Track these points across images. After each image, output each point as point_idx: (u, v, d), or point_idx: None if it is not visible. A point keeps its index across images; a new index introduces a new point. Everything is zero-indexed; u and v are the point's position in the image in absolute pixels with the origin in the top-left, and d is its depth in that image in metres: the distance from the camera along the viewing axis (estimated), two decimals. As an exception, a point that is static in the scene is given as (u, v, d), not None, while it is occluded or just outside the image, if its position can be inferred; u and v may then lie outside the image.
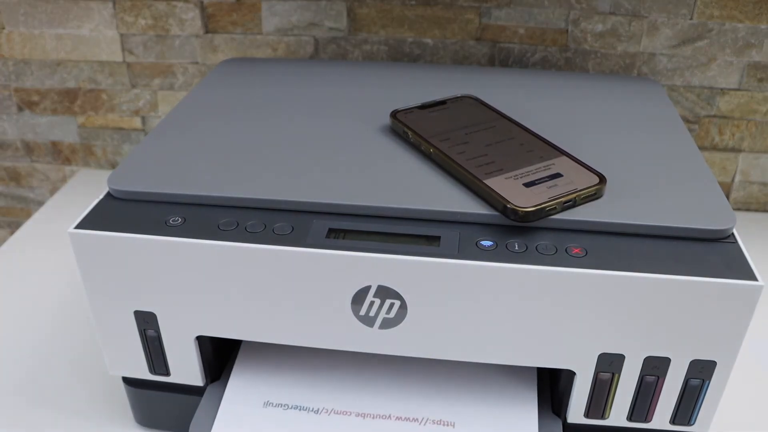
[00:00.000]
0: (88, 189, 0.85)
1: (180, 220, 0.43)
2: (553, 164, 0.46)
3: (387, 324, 0.43)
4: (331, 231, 0.42)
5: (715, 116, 0.76)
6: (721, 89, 0.74)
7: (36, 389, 0.57)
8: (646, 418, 0.45)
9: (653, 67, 0.74)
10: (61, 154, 0.89)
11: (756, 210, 0.82)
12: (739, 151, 0.78)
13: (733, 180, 0.80)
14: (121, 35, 0.79)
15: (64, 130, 0.87)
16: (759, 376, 0.59)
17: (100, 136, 0.87)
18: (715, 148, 0.78)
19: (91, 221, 0.43)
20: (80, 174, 0.88)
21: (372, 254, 0.40)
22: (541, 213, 0.42)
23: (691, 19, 0.71)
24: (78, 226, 0.43)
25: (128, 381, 0.51)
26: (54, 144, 0.88)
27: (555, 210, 0.42)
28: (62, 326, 0.63)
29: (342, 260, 0.41)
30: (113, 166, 0.89)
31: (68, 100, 0.84)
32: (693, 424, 0.45)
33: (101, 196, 0.46)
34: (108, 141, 0.87)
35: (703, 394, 0.44)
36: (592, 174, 0.45)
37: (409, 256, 0.40)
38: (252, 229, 0.42)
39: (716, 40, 0.71)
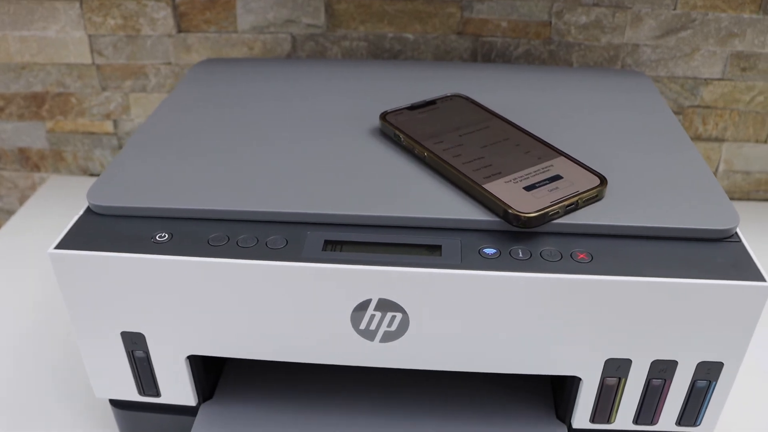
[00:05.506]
0: (59, 196, 0.82)
1: (167, 236, 0.41)
2: (552, 166, 0.45)
3: (388, 337, 0.41)
4: (327, 243, 0.41)
5: (698, 106, 0.76)
6: (705, 79, 0.74)
7: (15, 412, 0.54)
8: (652, 421, 0.45)
9: (637, 59, 0.73)
10: (30, 161, 0.86)
11: (739, 199, 0.82)
12: (723, 140, 0.78)
13: (717, 169, 0.80)
14: (90, 36, 0.76)
15: (32, 135, 0.84)
16: (760, 372, 0.59)
17: (70, 141, 0.84)
18: (699, 138, 0.78)
19: (72, 240, 0.41)
20: (50, 181, 0.85)
21: (372, 267, 0.39)
22: (544, 218, 0.40)
23: (674, 9, 0.70)
24: (59, 246, 0.40)
25: (116, 403, 0.48)
26: (21, 150, 0.85)
27: (558, 214, 0.41)
28: (38, 345, 0.61)
29: (340, 274, 0.39)
30: (84, 171, 0.86)
31: (35, 104, 0.81)
32: (699, 424, 0.45)
33: (81, 212, 0.44)
34: (79, 146, 0.84)
35: (709, 395, 0.43)
36: (592, 175, 0.44)
37: (411, 268, 0.39)
38: (244, 244, 0.40)
39: (699, 30, 0.71)
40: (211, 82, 0.59)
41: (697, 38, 0.71)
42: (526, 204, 0.41)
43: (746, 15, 0.70)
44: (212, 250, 0.40)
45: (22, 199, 0.89)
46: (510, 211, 0.40)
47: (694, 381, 0.42)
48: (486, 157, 0.45)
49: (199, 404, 0.48)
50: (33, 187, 0.88)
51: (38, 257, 0.72)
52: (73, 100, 0.80)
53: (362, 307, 0.40)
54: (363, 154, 0.48)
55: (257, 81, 0.59)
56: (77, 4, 0.74)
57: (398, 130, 0.48)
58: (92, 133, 0.83)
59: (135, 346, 0.44)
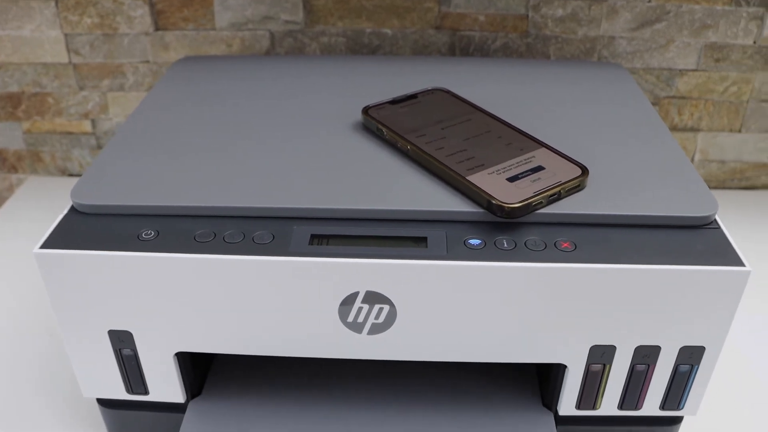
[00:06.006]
0: (38, 197, 0.81)
1: (153, 233, 0.41)
2: (534, 157, 0.45)
3: (376, 329, 0.42)
4: (314, 237, 0.41)
5: (674, 97, 0.77)
6: (680, 70, 0.75)
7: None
8: (637, 406, 0.45)
9: (613, 51, 0.74)
10: (7, 162, 0.85)
11: (715, 187, 0.83)
12: (698, 130, 0.79)
13: (692, 159, 0.81)
14: (66, 35, 0.75)
15: (8, 136, 0.83)
16: (737, 356, 0.60)
17: (47, 141, 0.83)
18: (674, 128, 0.79)
19: (57, 239, 0.41)
20: (28, 182, 0.84)
21: (359, 260, 0.39)
22: (528, 208, 0.41)
23: (649, 1, 0.71)
24: (44, 246, 0.40)
25: (104, 402, 0.48)
26: (-2, 152, 0.84)
27: (541, 204, 0.42)
28: (20, 348, 0.60)
29: (327, 267, 0.39)
30: (63, 172, 0.85)
31: (11, 105, 0.80)
32: (682, 408, 0.45)
33: (65, 212, 0.43)
34: (56, 146, 0.83)
35: (692, 379, 0.44)
36: (573, 165, 0.44)
37: (398, 260, 0.39)
38: (231, 240, 0.41)
39: (674, 22, 0.72)
40: (192, 79, 0.59)
41: (671, 30, 0.73)
42: (510, 195, 0.41)
43: (719, 7, 0.71)
44: (199, 247, 0.40)
45: (0, 201, 0.88)
46: (494, 201, 0.41)
47: (677, 365, 0.43)
48: (468, 150, 0.46)
49: (187, 401, 0.48)
50: (10, 189, 0.87)
51: (18, 259, 0.71)
52: (50, 99, 0.80)
53: (350, 299, 0.40)
54: (346, 148, 0.48)
55: (238, 78, 0.59)
56: (53, 3, 0.73)
57: (381, 124, 0.49)
58: (70, 133, 0.82)
59: (122, 344, 0.43)
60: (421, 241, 0.41)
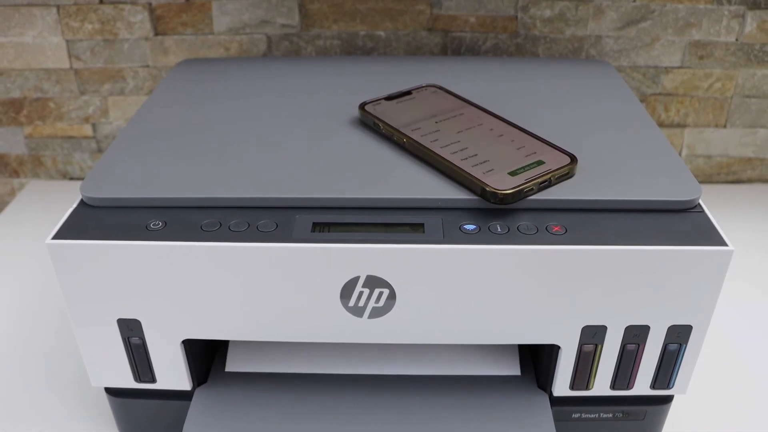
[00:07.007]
0: (39, 201, 0.82)
1: (161, 224, 0.43)
2: (524, 147, 0.47)
3: (376, 313, 0.43)
4: (315, 225, 0.42)
5: (660, 94, 0.79)
6: (665, 68, 0.77)
7: (5, 410, 0.55)
8: (628, 385, 0.47)
9: (600, 49, 0.76)
10: (9, 167, 0.86)
11: (702, 182, 0.85)
12: (684, 126, 0.81)
13: (680, 154, 0.83)
14: (67, 41, 0.77)
15: (10, 141, 0.84)
16: (724, 339, 0.62)
17: (49, 145, 0.84)
18: (661, 124, 0.81)
19: (68, 231, 0.42)
20: (30, 186, 0.85)
21: (359, 245, 0.41)
22: (520, 194, 0.43)
23: (634, 1, 0.73)
24: (56, 237, 0.42)
25: (111, 391, 0.50)
26: (0, 156, 0.85)
27: (532, 191, 0.43)
28: (26, 345, 0.61)
29: (329, 253, 0.41)
30: (64, 176, 0.87)
31: (13, 110, 0.82)
32: (672, 387, 0.47)
33: (74, 205, 0.45)
34: (58, 150, 0.85)
35: (680, 358, 0.46)
36: (563, 154, 0.46)
37: (397, 245, 0.41)
38: (236, 228, 0.42)
39: (658, 20, 0.74)
40: (193, 80, 0.60)
41: (656, 28, 0.75)
42: (502, 182, 0.43)
43: (702, 5, 0.73)
44: (205, 235, 0.42)
45: (2, 205, 0.90)
46: (487, 188, 0.43)
47: (666, 344, 0.45)
48: (462, 141, 0.48)
49: (193, 389, 0.49)
50: (12, 193, 0.89)
51: (21, 261, 0.72)
52: (52, 104, 0.81)
53: (351, 284, 0.42)
54: (345, 142, 0.50)
55: (239, 78, 0.61)
56: (54, 10, 0.75)
57: (377, 119, 0.50)
58: (71, 137, 0.84)
59: (131, 332, 0.45)
60: (419, 227, 0.42)
